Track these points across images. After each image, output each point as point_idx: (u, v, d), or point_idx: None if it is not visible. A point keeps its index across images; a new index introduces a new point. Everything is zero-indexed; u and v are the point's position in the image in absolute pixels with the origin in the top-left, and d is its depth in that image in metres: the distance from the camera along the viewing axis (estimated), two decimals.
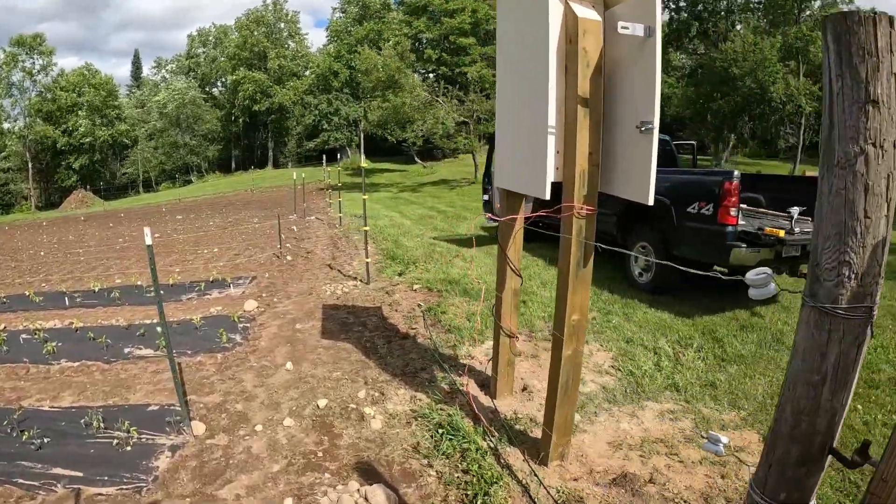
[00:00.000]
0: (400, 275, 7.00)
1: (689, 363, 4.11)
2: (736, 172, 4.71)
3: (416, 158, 29.25)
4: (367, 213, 7.34)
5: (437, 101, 21.08)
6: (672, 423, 3.34)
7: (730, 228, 4.67)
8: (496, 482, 2.79)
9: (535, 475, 2.88)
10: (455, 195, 19.19)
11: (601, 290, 5.99)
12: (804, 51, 25.94)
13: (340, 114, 41.66)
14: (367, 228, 7.22)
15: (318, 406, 3.74)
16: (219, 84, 53.25)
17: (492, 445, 3.17)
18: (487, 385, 3.88)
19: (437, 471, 3.04)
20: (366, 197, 7.28)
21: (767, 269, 1.33)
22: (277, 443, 3.33)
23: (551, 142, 2.78)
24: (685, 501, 2.65)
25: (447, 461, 3.09)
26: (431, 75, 24.43)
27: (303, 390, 3.98)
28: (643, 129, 2.44)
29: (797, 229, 4.48)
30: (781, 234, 4.32)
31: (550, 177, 2.82)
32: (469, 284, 6.14)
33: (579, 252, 2.72)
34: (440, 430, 3.33)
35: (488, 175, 8.09)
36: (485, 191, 8.24)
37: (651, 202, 2.48)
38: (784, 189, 5.75)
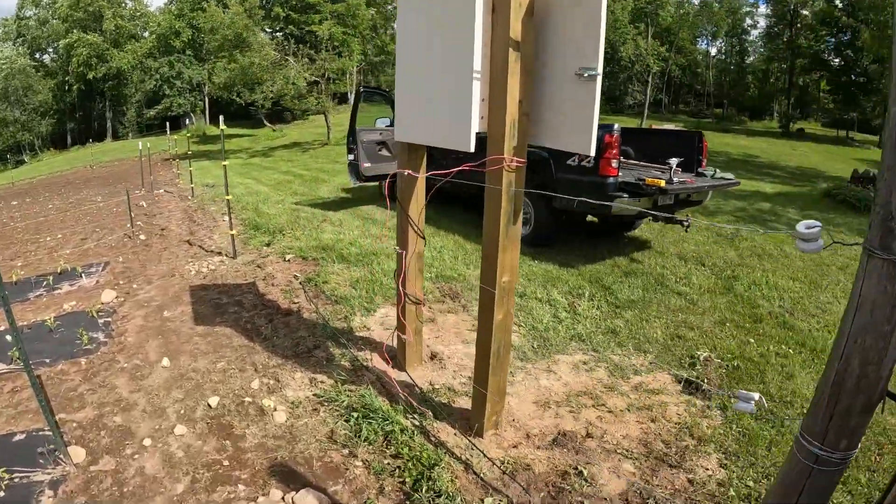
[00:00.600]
0: (268, 245, 6.30)
1: (585, 312, 4.24)
2: (616, 126, 4.89)
3: (265, 122, 27.26)
4: (221, 182, 6.40)
5: (287, 60, 19.58)
6: (588, 374, 3.40)
7: (611, 180, 4.86)
8: (436, 464, 2.56)
9: (475, 448, 2.71)
10: (309, 158, 18.12)
11: (480, 245, 5.94)
12: (653, 14, 28.63)
13: (183, 77, 37.35)
14: (229, 197, 6.35)
15: (209, 405, 3.13)
16: (50, 50, 44.68)
17: (417, 423, 2.92)
18: (393, 357, 3.59)
19: (363, 460, 2.71)
20: (226, 163, 6.36)
21: (818, 223, 1.22)
22: (173, 457, 2.71)
23: (476, 89, 2.48)
24: (627, 451, 2.69)
25: (371, 448, 2.77)
26: (280, 34, 22.50)
27: (187, 389, 3.32)
28: (586, 74, 2.26)
29: (675, 179, 4.82)
30: (662, 184, 4.61)
31: (475, 127, 2.54)
32: (345, 250, 5.72)
33: (510, 208, 2.50)
34: (354, 414, 2.98)
35: (353, 134, 7.53)
36: (349, 150, 7.68)
37: (593, 153, 2.34)
38: (649, 142, 6.20)
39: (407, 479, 2.54)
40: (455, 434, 2.83)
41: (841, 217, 8.35)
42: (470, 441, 2.75)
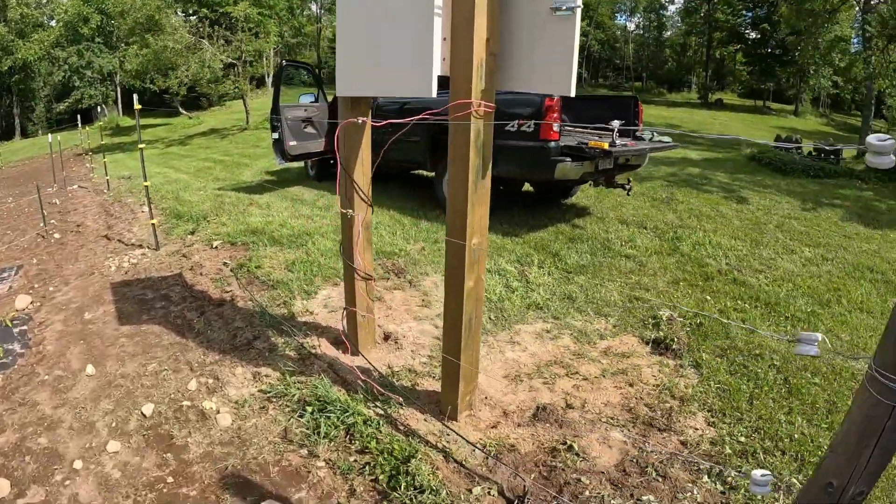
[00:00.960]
0: (192, 233, 5.61)
1: (537, 280, 4.07)
2: None
3: (181, 110, 25.51)
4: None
5: (202, 42, 18.16)
6: (554, 343, 3.22)
7: (553, 144, 4.71)
8: (412, 455, 2.26)
9: (452, 432, 2.43)
10: (228, 144, 16.93)
11: (417, 219, 5.65)
12: None
13: (94, 67, 33.69)
14: (147, 184, 5.59)
15: (143, 415, 2.62)
16: None
17: (381, 412, 2.59)
18: (342, 341, 3.23)
19: (325, 460, 2.35)
20: (143, 146, 5.55)
21: (889, 137, 1.04)
22: (109, 479, 2.21)
23: (437, 26, 2.15)
24: (612, 418, 2.52)
25: (333, 445, 2.41)
26: (194, 17, 21.01)
27: (117, 398, 2.76)
28: (564, 8, 2.00)
29: (618, 142, 4.74)
30: (606, 146, 4.51)
31: (437, 69, 2.20)
32: (276, 232, 5.19)
33: (478, 160, 2.21)
34: (309, 408, 2.60)
35: (277, 111, 6.92)
36: (273, 128, 7.06)
37: (573, 93, 2.10)
38: (585, 108, 6.13)
39: (380, 477, 2.22)
40: (425, 420, 2.54)
41: (769, 179, 8.83)
42: (445, 426, 2.47)
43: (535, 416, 2.55)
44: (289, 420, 2.62)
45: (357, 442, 2.42)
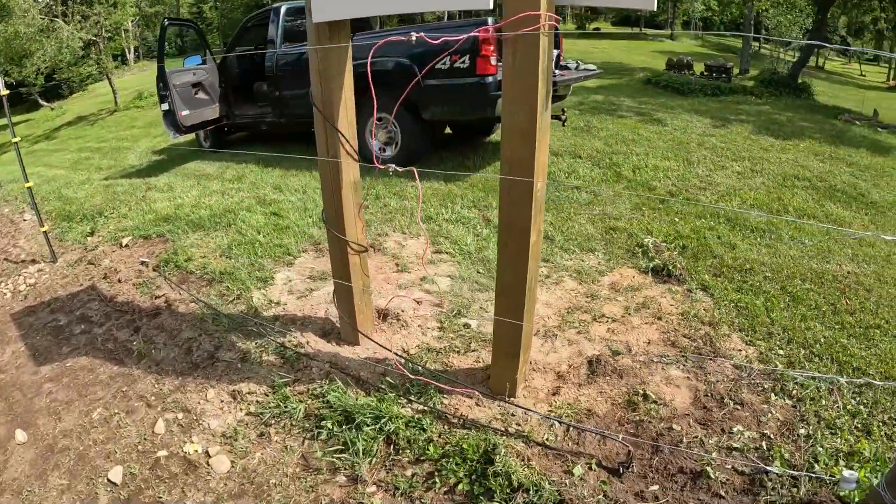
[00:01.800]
0: (91, 234, 4.31)
1: None
2: (490, 19, 4.30)
3: (40, 101, 21.01)
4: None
5: (56, 22, 14.80)
6: (561, 287, 2.98)
7: (491, 79, 4.33)
8: (491, 451, 1.89)
9: (517, 411, 2.09)
10: (101, 129, 13.85)
11: None
12: None
13: None
14: (30, 184, 4.17)
15: (112, 482, 1.91)
16: None
17: (421, 407, 2.16)
18: (331, 331, 2.67)
19: (375, 483, 1.89)
20: (17, 139, 4.05)
21: None
22: None
23: None
24: (661, 356, 2.37)
25: (376, 462, 1.96)
26: None
27: (69, 467, 1.98)
28: None
29: (557, 72, 4.50)
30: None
31: None
32: (192, 215, 4.22)
33: (545, 86, 1.78)
34: (326, 424, 2.09)
35: (163, 78, 5.80)
36: (161, 99, 5.89)
37: (655, 7, 1.73)
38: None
39: (458, 486, 1.83)
40: (478, 405, 2.16)
41: (672, 100, 9.22)
42: (507, 404, 2.12)
43: (591, 371, 2.32)
44: (304, 444, 2.08)
45: (408, 451, 1.98)
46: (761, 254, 3.26)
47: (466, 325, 2.67)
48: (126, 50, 26.09)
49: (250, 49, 6.77)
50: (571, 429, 2.03)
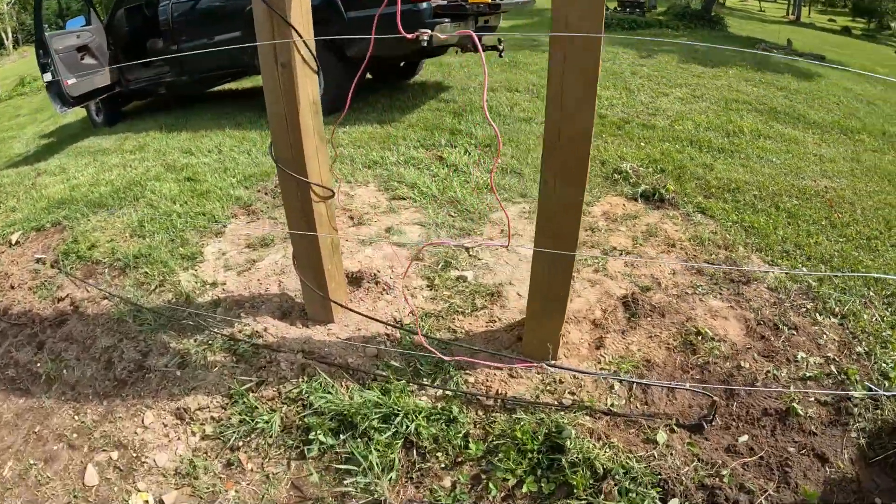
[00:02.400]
0: None
1: (461, 161, 3.22)
2: None
3: None
4: None
5: None
6: None
7: (425, 5, 3.70)
8: (557, 435, 1.45)
9: (565, 377, 1.66)
10: None
11: (266, 129, 4.17)
12: None
13: None
14: None
15: None
16: None
17: (442, 393, 1.65)
18: (291, 310, 2.04)
19: (408, 502, 1.38)
20: None
21: None
22: None
23: None
24: (693, 286, 2.07)
25: (398, 475, 1.44)
26: None
27: None
28: None
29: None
30: (489, 0, 3.70)
31: None
32: (91, 193, 3.20)
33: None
34: (316, 434, 1.53)
35: (42, 44, 4.73)
36: (43, 69, 4.79)
37: None
38: None
39: (522, 486, 1.38)
40: (512, 376, 1.69)
41: (617, 35, 9.03)
42: (551, 368, 1.68)
43: (630, 314, 1.94)
44: (291, 467, 1.50)
45: (439, 454, 1.49)
46: (740, 173, 3.09)
47: (461, 279, 2.17)
48: (3, 35, 23.55)
49: (140, 2, 5.76)
50: (635, 387, 1.65)
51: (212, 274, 2.28)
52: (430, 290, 2.12)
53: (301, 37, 1.54)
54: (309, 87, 1.65)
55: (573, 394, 1.62)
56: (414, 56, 4.97)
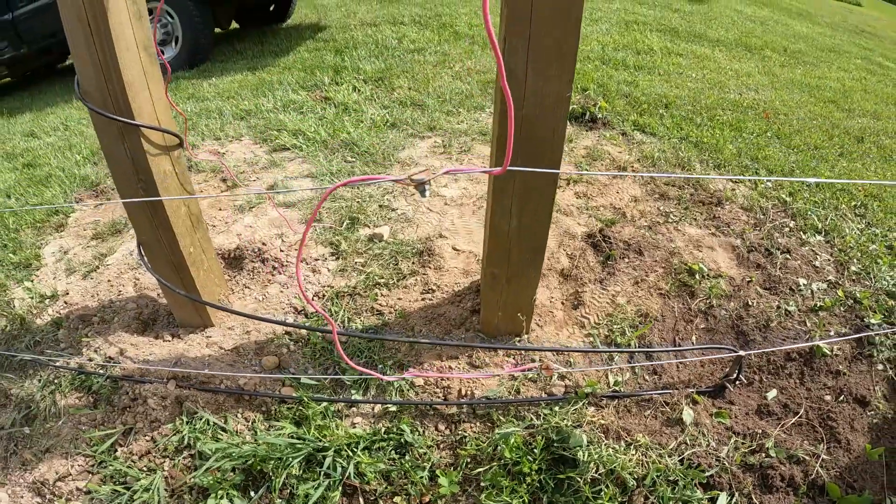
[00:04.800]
0: None
1: (350, 99, 2.63)
2: None
3: None
4: None
5: None
6: (475, 155, 2.10)
7: None
8: (564, 445, 1.01)
9: (552, 352, 1.22)
10: None
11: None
12: None
13: None
14: None
15: None
16: None
17: (382, 410, 1.14)
18: (154, 317, 1.39)
19: None
20: None
21: None
22: None
23: None
24: (662, 215, 1.72)
25: None
26: None
27: None
28: None
29: None
30: None
31: None
32: None
33: None
34: (213, 499, 0.98)
35: None
36: None
37: None
38: None
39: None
40: (475, 366, 1.23)
41: None
42: (525, 348, 1.23)
43: (601, 256, 1.54)
44: None
45: (396, 500, 0.99)
46: (665, 88, 2.82)
47: (376, 238, 1.63)
48: None
49: None
50: (636, 355, 1.26)
51: (51, 282, 1.56)
52: (337, 259, 1.57)
53: None
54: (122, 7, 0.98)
55: (563, 378, 1.19)
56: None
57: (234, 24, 4.81)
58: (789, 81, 3.30)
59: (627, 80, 2.90)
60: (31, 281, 1.62)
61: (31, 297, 1.53)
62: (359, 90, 2.82)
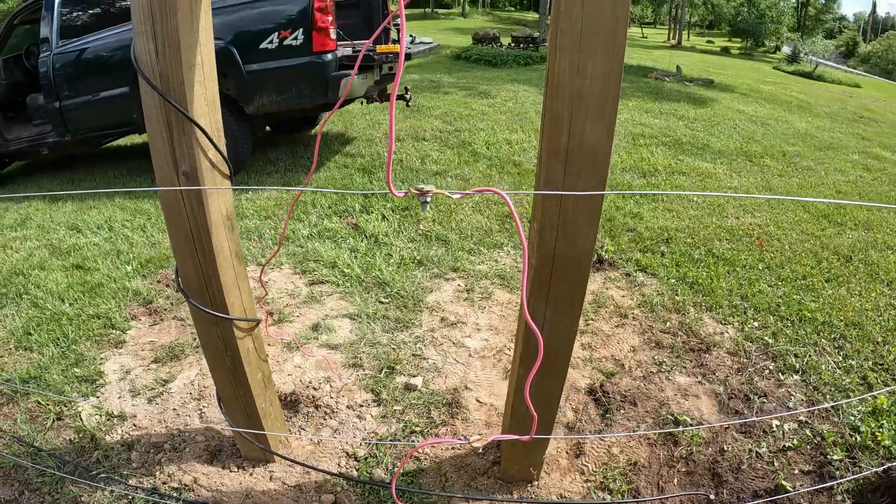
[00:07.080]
0: None
1: (378, 230, 3.20)
2: None
3: None
4: None
5: None
6: (494, 302, 2.57)
7: (330, 56, 3.69)
8: None
9: (557, 499, 1.62)
10: None
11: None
12: None
13: None
14: None
15: None
16: None
17: None
18: (220, 448, 1.82)
19: None
20: None
21: None
22: None
23: None
24: (660, 364, 2.14)
25: None
26: None
27: None
28: None
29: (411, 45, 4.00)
30: (398, 48, 3.75)
31: None
32: None
33: None
34: None
35: None
36: None
37: None
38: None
39: None
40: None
41: (487, 73, 9.27)
42: (534, 496, 1.63)
43: (601, 409, 1.95)
44: None
45: None
46: (667, 219, 3.32)
47: (409, 387, 2.08)
48: None
49: (19, 53, 5.50)
50: (627, 494, 1.65)
51: (117, 402, 1.99)
52: (378, 405, 2.01)
53: (208, 136, 1.40)
54: (221, 199, 1.50)
55: None
56: (316, 110, 4.98)
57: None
58: (786, 193, 3.79)
59: (633, 211, 3.42)
60: (97, 397, 2.06)
61: (100, 416, 1.96)
62: (387, 219, 3.37)
